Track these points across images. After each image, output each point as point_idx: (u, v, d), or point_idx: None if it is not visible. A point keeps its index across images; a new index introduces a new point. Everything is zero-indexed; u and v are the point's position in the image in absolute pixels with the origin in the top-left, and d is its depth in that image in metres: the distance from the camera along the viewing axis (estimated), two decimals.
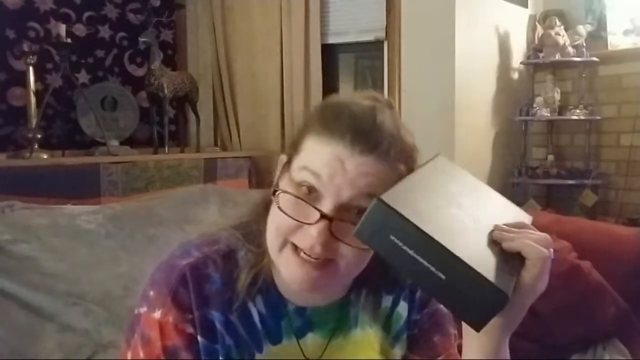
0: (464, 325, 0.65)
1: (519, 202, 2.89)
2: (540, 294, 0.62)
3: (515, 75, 3.14)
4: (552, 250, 0.62)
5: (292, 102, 2.88)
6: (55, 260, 1.49)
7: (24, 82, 2.36)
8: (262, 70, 2.99)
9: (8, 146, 2.45)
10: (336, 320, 0.79)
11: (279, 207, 0.68)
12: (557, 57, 2.91)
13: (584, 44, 2.91)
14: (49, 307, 1.42)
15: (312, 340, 0.78)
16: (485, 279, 0.55)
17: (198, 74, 3.06)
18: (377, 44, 2.91)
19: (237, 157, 2.83)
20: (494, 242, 0.62)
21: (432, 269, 0.55)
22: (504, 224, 0.65)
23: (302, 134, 0.71)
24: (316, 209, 0.66)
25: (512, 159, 3.10)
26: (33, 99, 2.32)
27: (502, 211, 0.71)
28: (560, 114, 2.99)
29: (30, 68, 2.32)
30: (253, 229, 0.77)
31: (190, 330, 0.72)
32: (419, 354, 0.82)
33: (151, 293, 0.74)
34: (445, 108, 2.67)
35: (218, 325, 0.74)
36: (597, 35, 2.97)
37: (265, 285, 0.76)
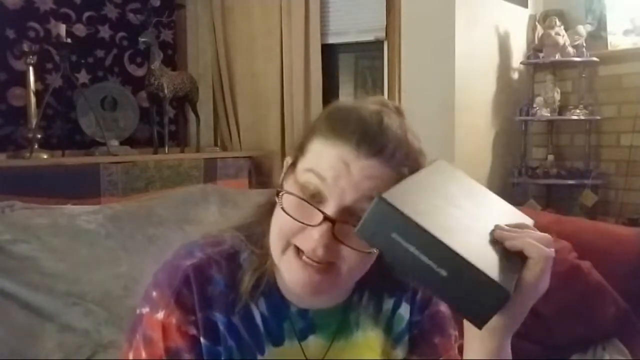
0: (466, 325, 0.65)
1: (519, 202, 2.90)
2: (542, 294, 0.62)
3: (515, 75, 3.14)
4: (553, 250, 0.62)
5: (292, 102, 2.88)
6: (55, 260, 1.49)
7: (24, 82, 2.36)
8: (262, 70, 2.99)
9: (8, 146, 2.45)
10: (338, 322, 0.79)
11: (282, 209, 0.68)
12: (557, 57, 2.91)
13: (584, 44, 2.91)
14: (49, 307, 1.42)
15: (314, 342, 0.78)
16: (487, 276, 0.55)
17: (198, 74, 3.06)
18: (377, 44, 2.91)
19: (237, 157, 2.83)
20: (495, 242, 0.62)
21: (434, 266, 0.55)
22: (505, 225, 0.65)
23: (309, 136, 0.71)
24: (320, 210, 0.66)
25: (512, 159, 3.10)
26: (33, 99, 2.32)
27: (503, 213, 0.71)
28: (560, 114, 2.99)
29: (30, 68, 2.32)
30: (256, 230, 0.77)
31: (193, 331, 0.72)
32: (420, 355, 0.82)
33: (154, 294, 0.73)
34: (445, 108, 2.67)
35: (221, 327, 0.74)
36: (597, 35, 2.98)
37: (268, 287, 0.76)
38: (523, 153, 3.13)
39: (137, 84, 2.88)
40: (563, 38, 2.92)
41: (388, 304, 0.83)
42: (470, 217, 0.65)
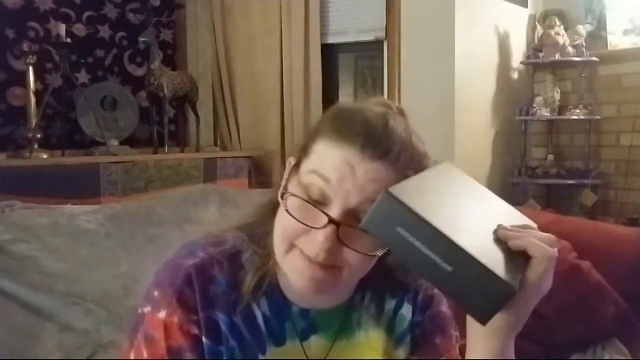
0: (469, 325, 0.65)
1: (519, 202, 2.90)
2: (545, 294, 0.62)
3: (515, 75, 3.14)
4: (557, 250, 0.62)
5: (292, 102, 2.88)
6: (55, 260, 1.49)
7: (24, 82, 2.36)
8: (262, 70, 2.99)
9: (8, 146, 2.45)
10: (340, 323, 0.79)
11: (286, 211, 0.68)
12: (557, 57, 2.91)
13: (584, 44, 2.91)
14: (49, 307, 1.42)
15: (315, 342, 0.78)
16: (492, 272, 0.55)
17: (198, 74, 3.06)
18: (377, 44, 2.91)
19: (237, 157, 2.83)
20: (499, 242, 0.62)
21: (439, 261, 0.55)
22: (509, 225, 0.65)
23: (313, 137, 0.70)
24: (324, 213, 0.65)
25: (512, 159, 3.10)
26: (33, 99, 2.32)
27: (506, 214, 0.71)
28: (560, 114, 2.99)
29: (30, 68, 2.32)
30: (259, 230, 0.77)
31: (195, 331, 0.72)
32: (421, 355, 0.82)
33: (156, 293, 0.73)
34: (445, 108, 2.67)
35: (223, 327, 0.74)
36: (597, 35, 2.98)
37: (270, 287, 0.76)
38: (523, 153, 3.13)
39: (137, 84, 2.88)
40: (563, 38, 2.92)
41: (390, 304, 0.83)
42: (474, 216, 0.65)
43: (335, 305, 0.79)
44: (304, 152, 0.71)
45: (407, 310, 0.83)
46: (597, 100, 3.00)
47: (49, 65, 2.58)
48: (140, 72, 2.90)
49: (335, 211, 0.65)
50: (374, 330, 0.81)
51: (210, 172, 2.64)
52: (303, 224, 0.67)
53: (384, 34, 2.86)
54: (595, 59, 2.90)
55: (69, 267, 1.50)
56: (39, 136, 2.33)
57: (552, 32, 2.92)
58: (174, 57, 3.10)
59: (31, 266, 1.45)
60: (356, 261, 0.67)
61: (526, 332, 0.64)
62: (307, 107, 2.86)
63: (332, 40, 2.97)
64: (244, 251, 0.77)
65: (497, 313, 0.57)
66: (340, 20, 2.95)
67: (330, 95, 2.95)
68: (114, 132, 2.71)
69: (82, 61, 2.72)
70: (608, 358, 1.65)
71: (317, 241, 0.65)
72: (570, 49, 2.92)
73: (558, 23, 2.95)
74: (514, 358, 0.66)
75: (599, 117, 2.95)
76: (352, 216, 0.66)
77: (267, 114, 2.97)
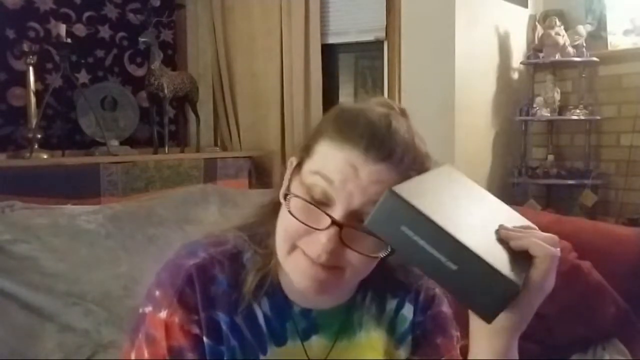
0: (473, 325, 0.65)
1: (519, 202, 2.90)
2: (548, 293, 0.62)
3: (515, 75, 3.14)
4: (559, 249, 0.62)
5: (292, 102, 2.88)
6: (55, 260, 1.49)
7: (24, 82, 2.36)
8: (262, 70, 2.99)
9: (8, 146, 2.45)
10: (341, 322, 0.79)
11: (289, 211, 0.67)
12: (557, 57, 2.91)
13: (584, 44, 2.91)
14: (49, 307, 1.42)
15: (316, 342, 0.78)
16: (497, 270, 0.55)
17: (198, 74, 3.06)
18: (377, 44, 2.91)
19: (237, 157, 2.83)
20: (500, 241, 0.62)
21: (443, 259, 0.55)
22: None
23: (315, 137, 0.70)
24: (327, 215, 0.65)
25: (512, 159, 3.10)
26: (33, 99, 2.32)
27: (506, 216, 0.71)
28: (560, 114, 2.99)
29: (30, 68, 2.32)
30: (259, 230, 0.77)
31: (196, 331, 0.72)
32: (422, 355, 0.82)
33: (157, 293, 0.73)
34: (445, 108, 2.67)
35: (223, 327, 0.74)
36: (597, 35, 2.98)
37: (271, 287, 0.76)
38: (523, 153, 3.13)
39: (137, 84, 2.88)
40: (563, 38, 2.92)
41: (391, 304, 0.83)
42: (475, 217, 0.65)
43: (336, 305, 0.79)
44: (306, 152, 0.71)
45: (408, 310, 0.83)
46: (597, 100, 3.00)
47: (49, 65, 2.58)
48: (140, 72, 2.90)
49: (337, 212, 0.65)
50: (375, 330, 0.81)
51: (210, 172, 2.64)
52: (305, 224, 0.66)
53: (384, 34, 2.86)
54: (595, 59, 2.90)
55: (69, 267, 1.50)
56: (39, 136, 2.33)
57: (552, 32, 2.92)
58: (174, 57, 3.10)
59: (31, 266, 1.45)
60: (358, 262, 0.67)
61: (526, 332, 0.64)
62: (307, 107, 2.86)
63: (332, 40, 2.97)
64: (244, 251, 0.77)
65: (501, 311, 0.57)
66: (340, 20, 2.95)
67: (330, 95, 2.95)
68: (114, 132, 2.71)
69: (82, 61, 2.73)
70: (608, 358, 1.65)
71: (319, 242, 0.66)
72: (570, 49, 2.92)
73: (558, 23, 2.95)
74: (517, 358, 0.66)
75: (599, 117, 2.95)
76: (354, 217, 0.66)
77: (267, 114, 2.97)
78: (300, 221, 0.67)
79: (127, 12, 2.88)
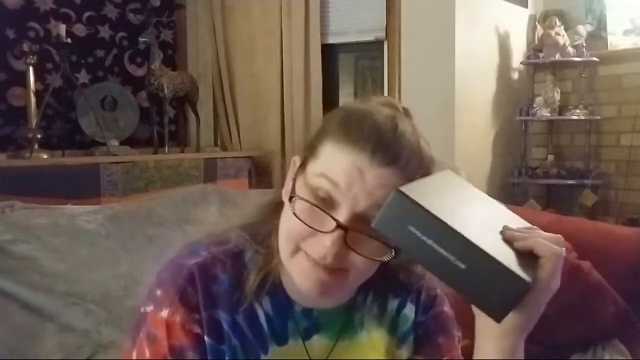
0: (479, 325, 0.65)
1: (519, 202, 2.90)
2: (554, 292, 0.62)
3: (515, 75, 3.14)
4: (564, 249, 0.62)
5: (292, 102, 2.88)
6: (55, 260, 1.49)
7: (24, 82, 2.36)
8: (262, 70, 2.99)
9: (8, 146, 2.45)
10: (342, 322, 0.79)
11: (294, 213, 0.67)
12: (557, 57, 2.91)
13: (584, 44, 2.91)
14: (49, 307, 1.42)
15: (318, 341, 0.78)
16: (507, 268, 0.55)
17: (198, 74, 3.06)
18: (377, 44, 2.91)
19: (237, 157, 2.83)
20: (506, 242, 0.62)
21: (452, 258, 0.55)
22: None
23: (320, 138, 0.70)
24: (332, 218, 0.65)
25: (512, 159, 3.11)
26: (33, 99, 2.32)
27: (508, 219, 0.71)
28: (560, 114, 2.99)
29: (30, 68, 2.32)
30: (261, 230, 0.77)
31: (197, 330, 0.72)
32: (424, 355, 0.82)
33: (158, 292, 0.73)
34: (445, 108, 2.67)
35: (225, 326, 0.74)
36: (597, 35, 2.98)
37: (273, 287, 0.76)
38: (523, 153, 3.13)
39: (137, 84, 2.88)
40: (563, 38, 2.92)
41: (393, 304, 0.83)
42: (480, 218, 0.65)
43: (338, 305, 0.79)
44: (310, 152, 0.70)
45: (409, 310, 0.83)
46: (597, 100, 3.00)
47: (49, 65, 2.58)
48: (140, 72, 2.90)
49: (342, 215, 0.65)
50: (376, 329, 0.81)
51: (210, 172, 2.64)
52: (310, 227, 0.66)
53: (384, 34, 2.86)
54: (595, 59, 2.90)
55: (69, 267, 1.50)
56: (39, 136, 2.33)
57: (552, 32, 2.92)
58: (174, 57, 3.10)
59: (31, 266, 1.45)
60: (362, 264, 0.67)
61: (529, 333, 0.64)
62: (307, 107, 2.86)
63: (332, 40, 2.97)
64: (246, 250, 0.77)
65: (511, 310, 0.57)
66: (340, 20, 2.95)
67: (330, 95, 2.95)
68: (114, 132, 2.71)
69: (82, 61, 2.73)
70: (608, 358, 1.65)
71: (323, 245, 0.65)
72: (570, 49, 2.92)
73: (558, 23, 2.95)
74: (523, 358, 0.66)
75: (599, 117, 2.95)
76: (359, 220, 0.65)
77: (267, 114, 2.97)
78: (305, 223, 0.66)
79: (127, 12, 2.88)
